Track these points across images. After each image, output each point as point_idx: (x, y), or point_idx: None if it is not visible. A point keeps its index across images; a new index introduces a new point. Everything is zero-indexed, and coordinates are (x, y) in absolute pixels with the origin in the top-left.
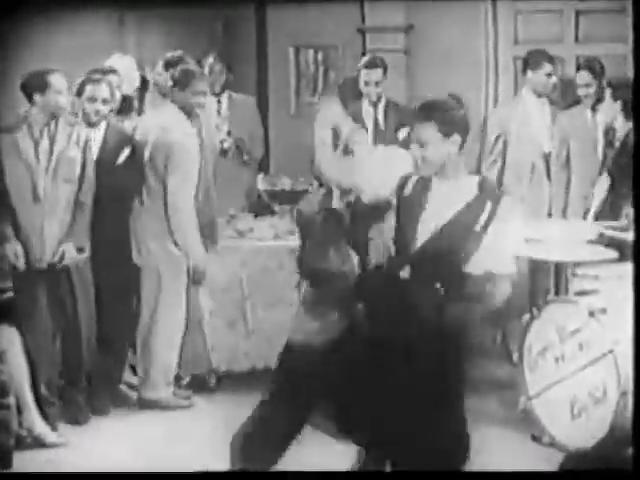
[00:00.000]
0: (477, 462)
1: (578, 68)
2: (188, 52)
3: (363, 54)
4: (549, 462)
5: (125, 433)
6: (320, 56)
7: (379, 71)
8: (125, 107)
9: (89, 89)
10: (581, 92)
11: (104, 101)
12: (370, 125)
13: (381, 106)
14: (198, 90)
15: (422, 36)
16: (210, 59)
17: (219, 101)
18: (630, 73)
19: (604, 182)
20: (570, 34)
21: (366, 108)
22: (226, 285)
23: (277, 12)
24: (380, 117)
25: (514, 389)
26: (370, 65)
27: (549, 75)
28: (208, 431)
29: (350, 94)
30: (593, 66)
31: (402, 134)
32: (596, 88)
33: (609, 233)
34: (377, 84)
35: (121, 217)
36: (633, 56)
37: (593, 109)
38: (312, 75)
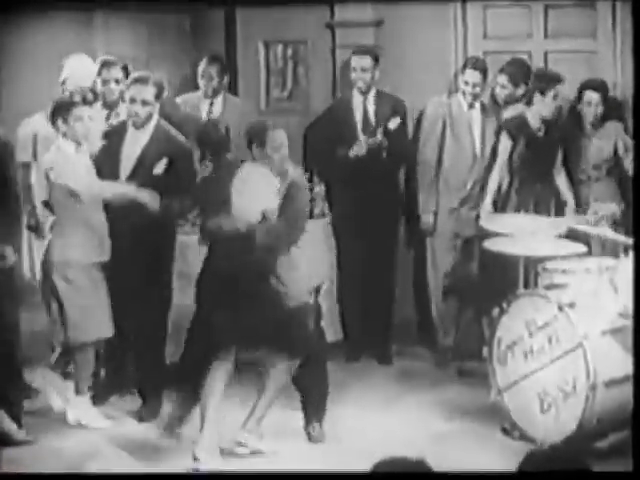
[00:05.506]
0: (450, 456)
1: (466, 67)
2: (158, 50)
3: (333, 49)
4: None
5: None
6: (289, 51)
7: (367, 58)
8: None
9: (132, 90)
10: (470, 90)
11: (143, 102)
12: (359, 115)
13: (371, 96)
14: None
15: (392, 31)
16: (203, 63)
17: (212, 103)
18: (600, 69)
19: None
20: (539, 29)
21: (355, 96)
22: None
23: (246, 8)
24: (370, 107)
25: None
26: (359, 52)
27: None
28: None
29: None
30: (483, 67)
31: (393, 124)
32: (482, 87)
33: (579, 228)
34: (365, 71)
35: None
36: (633, 57)
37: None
38: (281, 70)
